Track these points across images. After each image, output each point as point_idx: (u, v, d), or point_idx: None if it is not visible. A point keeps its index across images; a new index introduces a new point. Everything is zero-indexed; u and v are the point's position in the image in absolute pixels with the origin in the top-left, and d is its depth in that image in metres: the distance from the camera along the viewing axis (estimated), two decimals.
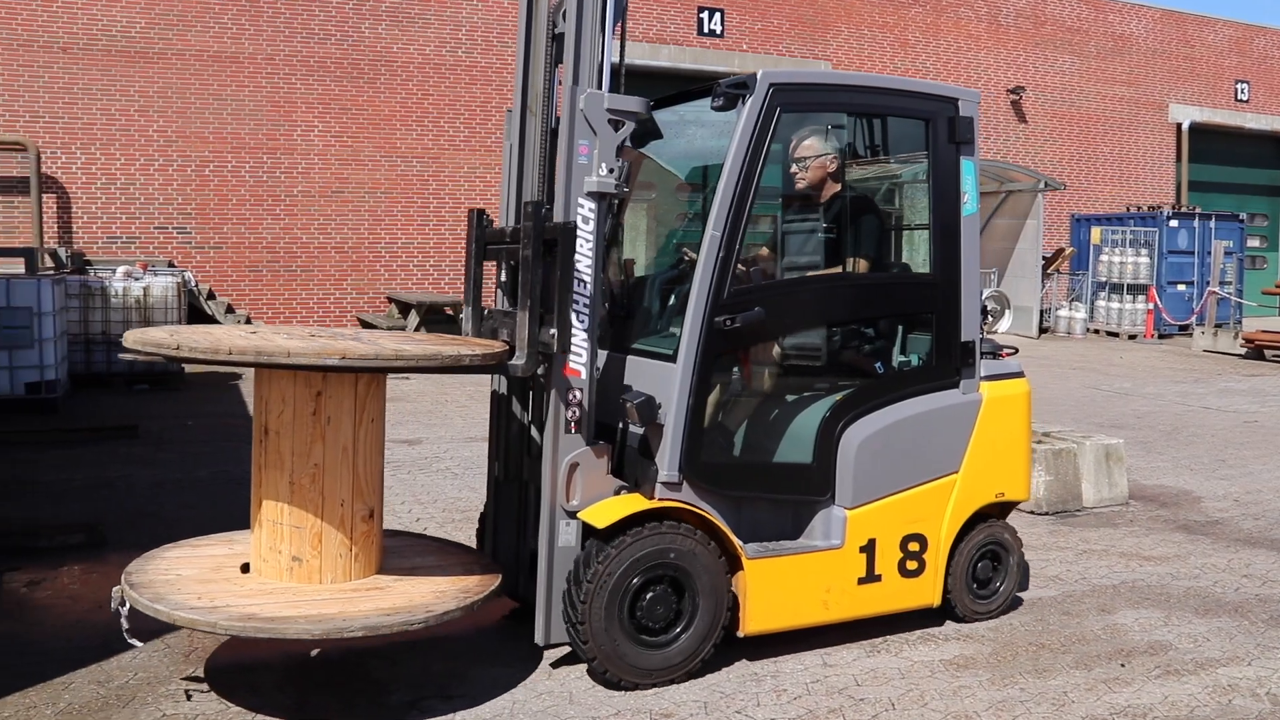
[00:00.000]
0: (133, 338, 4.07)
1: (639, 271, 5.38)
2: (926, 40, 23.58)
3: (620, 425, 4.53)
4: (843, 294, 4.80)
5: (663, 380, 4.43)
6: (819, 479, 4.64)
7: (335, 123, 18.12)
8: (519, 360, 4.28)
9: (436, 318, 16.39)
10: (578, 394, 4.38)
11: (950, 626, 5.07)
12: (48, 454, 8.70)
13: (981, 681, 4.49)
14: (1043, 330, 21.84)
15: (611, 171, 4.36)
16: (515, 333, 4.36)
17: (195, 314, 15.85)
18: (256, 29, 17.73)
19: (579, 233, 4.33)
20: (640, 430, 4.44)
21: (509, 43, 18.57)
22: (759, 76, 4.39)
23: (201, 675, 4.43)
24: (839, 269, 4.87)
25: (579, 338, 4.36)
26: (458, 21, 19.01)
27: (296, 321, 17.88)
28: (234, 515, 6.33)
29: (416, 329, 15.52)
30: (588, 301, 4.36)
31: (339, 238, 18.39)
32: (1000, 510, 5.18)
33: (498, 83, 19.04)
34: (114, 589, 4.22)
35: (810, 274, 4.93)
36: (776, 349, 4.75)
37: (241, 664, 4.57)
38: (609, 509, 4.32)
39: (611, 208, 4.66)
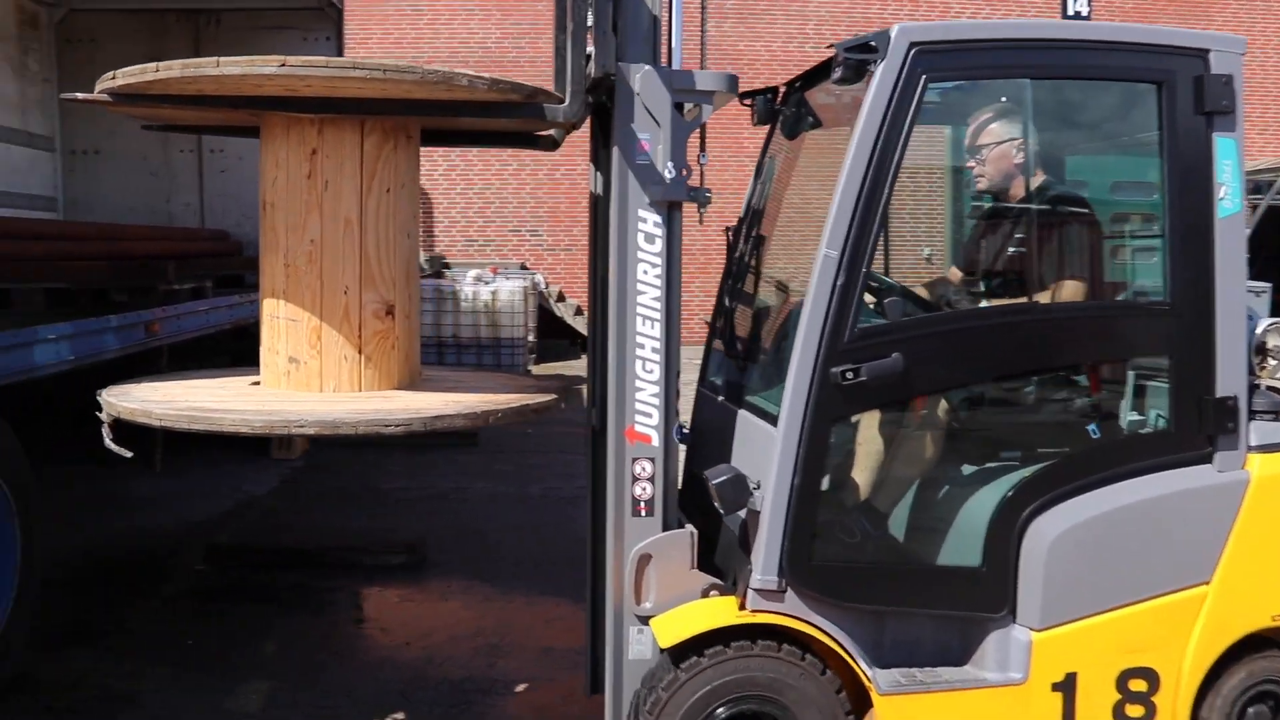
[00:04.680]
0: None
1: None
2: None
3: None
4: (1032, 332, 3.43)
5: (763, 450, 3.31)
6: (991, 589, 3.34)
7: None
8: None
9: None
10: (647, 466, 3.35)
11: None
12: (391, 459, 8.98)
13: None
14: None
15: (684, 172, 3.29)
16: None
17: (545, 316, 15.98)
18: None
19: (640, 254, 3.30)
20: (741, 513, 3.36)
21: None
22: (893, 34, 3.18)
23: None
24: (1032, 296, 3.53)
25: (647, 391, 3.33)
26: (804, 16, 18.09)
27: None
28: (558, 542, 6.55)
29: None
30: (658, 345, 3.32)
31: (702, 240, 17.98)
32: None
33: None
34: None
35: (987, 304, 3.62)
36: (929, 408, 3.49)
37: None
38: (682, 620, 3.29)
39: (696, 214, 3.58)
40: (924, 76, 3.19)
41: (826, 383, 3.18)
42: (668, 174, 3.32)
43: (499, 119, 3.39)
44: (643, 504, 3.38)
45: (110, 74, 3.13)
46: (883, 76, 3.18)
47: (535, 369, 13.19)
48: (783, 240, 4.02)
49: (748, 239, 4.08)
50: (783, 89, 4.02)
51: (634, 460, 3.37)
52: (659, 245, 3.34)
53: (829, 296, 3.19)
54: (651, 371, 3.36)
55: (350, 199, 3.36)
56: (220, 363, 8.40)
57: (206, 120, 3.76)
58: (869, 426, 3.49)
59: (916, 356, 3.23)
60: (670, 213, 3.37)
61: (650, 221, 3.34)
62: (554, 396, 3.50)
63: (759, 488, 3.26)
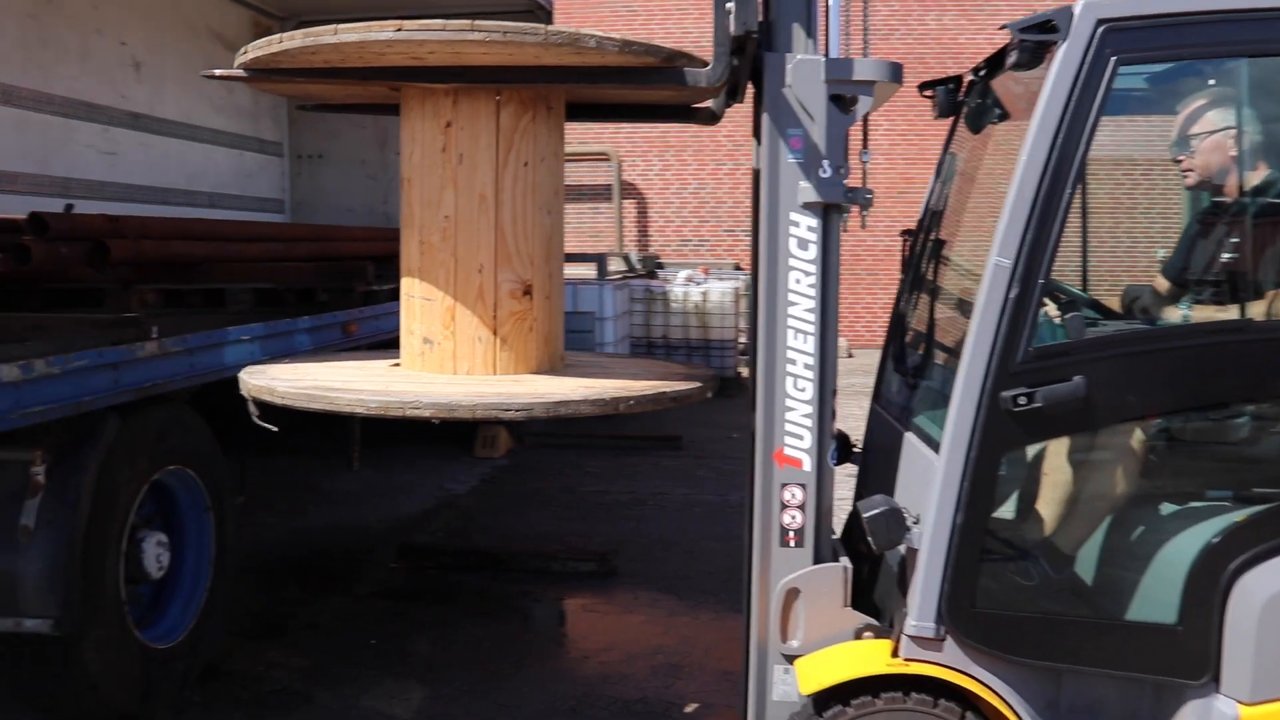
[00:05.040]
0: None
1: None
2: None
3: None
4: (1247, 352, 2.93)
5: (925, 480, 2.98)
6: (1190, 651, 2.87)
7: (901, 120, 17.08)
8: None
9: None
10: (797, 492, 3.08)
11: None
12: (594, 460, 9.07)
13: None
14: None
15: (839, 171, 2.99)
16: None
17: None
18: None
19: (791, 261, 3.03)
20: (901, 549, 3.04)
21: None
22: (1077, 10, 2.78)
23: None
24: (1247, 309, 3.03)
25: (798, 412, 3.05)
26: (1029, 6, 17.20)
27: (860, 328, 17.15)
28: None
29: None
30: (810, 360, 3.04)
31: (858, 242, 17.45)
32: None
33: None
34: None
35: (1192, 318, 3.13)
36: (1123, 437, 3.04)
37: None
38: (828, 665, 3.00)
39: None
40: (1114, 58, 2.78)
41: (995, 409, 2.82)
42: (823, 173, 3.03)
43: (641, 87, 3.14)
44: (792, 533, 3.11)
45: (243, 48, 3.10)
46: (1064, 59, 2.79)
47: (746, 371, 12.92)
48: (964, 245, 3.64)
49: (925, 244, 3.72)
50: (967, 77, 3.64)
51: (783, 486, 3.10)
52: (813, 251, 3.06)
53: (1000, 310, 2.83)
54: (804, 390, 3.08)
55: (485, 173, 3.19)
56: None
57: (351, 97, 3.69)
58: (1049, 455, 3.09)
59: (1103, 380, 2.82)
60: (826, 216, 3.08)
61: (803, 225, 3.06)
62: (697, 385, 3.24)
63: (919, 522, 2.92)
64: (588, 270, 12.34)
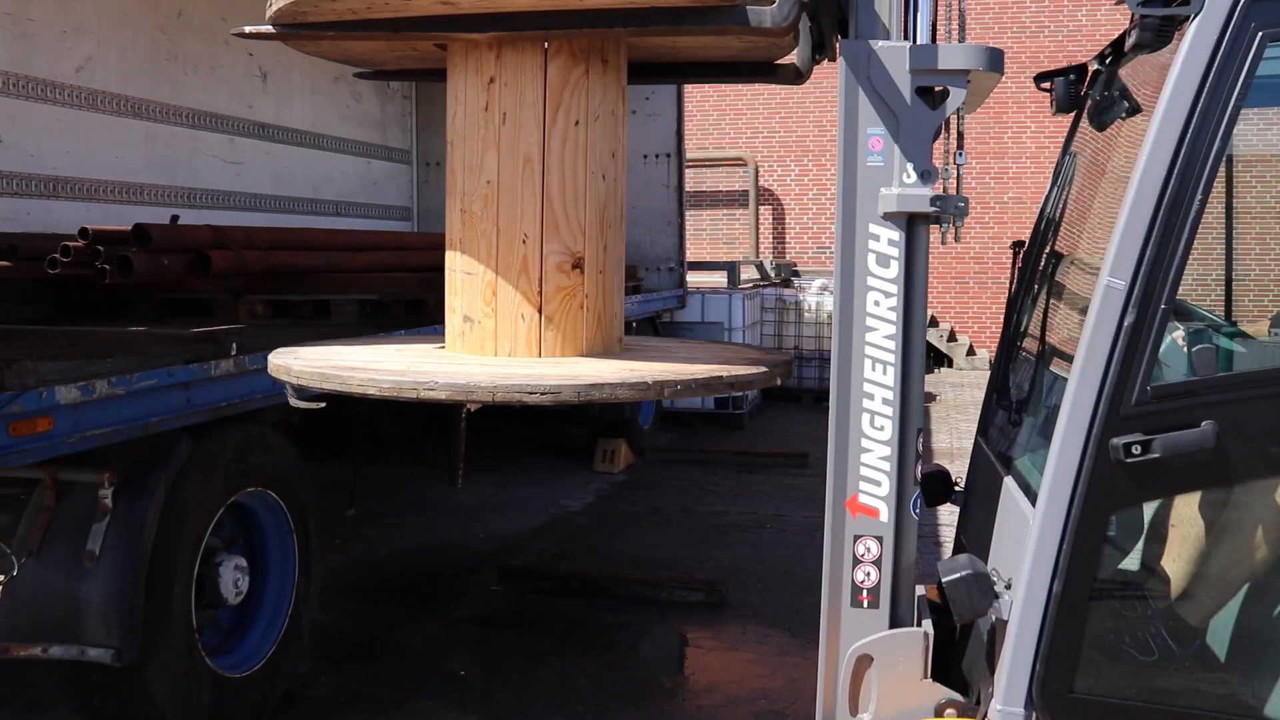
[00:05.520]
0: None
1: None
2: None
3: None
4: None
5: (1019, 535, 2.54)
6: None
7: (1049, 122, 16.28)
8: None
9: None
10: (872, 546, 2.68)
11: None
12: (714, 477, 8.78)
13: None
14: None
15: (925, 176, 2.58)
16: None
17: None
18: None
19: (870, 280, 2.63)
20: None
21: None
22: None
23: None
24: None
25: (875, 454, 2.66)
26: None
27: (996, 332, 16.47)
28: None
29: None
30: (890, 395, 2.64)
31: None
32: None
33: None
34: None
35: None
36: (1264, 494, 2.53)
37: None
38: None
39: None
40: (1260, 34, 2.30)
41: (1104, 458, 2.36)
42: (906, 178, 2.63)
43: (700, 31, 2.77)
44: (865, 592, 2.71)
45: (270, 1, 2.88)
46: (1197, 36, 2.32)
47: None
48: (1084, 260, 3.16)
49: (1039, 257, 3.25)
50: (1092, 67, 3.17)
51: (856, 538, 2.71)
52: (894, 269, 2.66)
53: (1112, 340, 2.37)
54: (882, 429, 2.68)
55: (531, 133, 2.88)
56: None
57: (401, 59, 3.44)
58: (1173, 507, 2.60)
59: (1240, 427, 2.33)
60: (911, 228, 2.68)
61: (884, 239, 2.66)
62: (763, 371, 2.85)
63: (1010, 587, 2.49)
64: (718, 278, 12.00)
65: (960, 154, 2.79)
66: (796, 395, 12.16)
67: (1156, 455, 2.33)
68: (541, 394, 2.55)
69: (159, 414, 3.98)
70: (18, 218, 5.94)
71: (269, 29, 2.96)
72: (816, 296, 12.37)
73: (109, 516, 3.90)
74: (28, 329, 4.65)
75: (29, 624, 3.85)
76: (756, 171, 16.89)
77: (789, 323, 12.31)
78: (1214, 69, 2.33)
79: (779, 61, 3.22)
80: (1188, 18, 2.33)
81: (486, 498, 7.75)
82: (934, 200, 2.62)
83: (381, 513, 7.24)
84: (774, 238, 17.27)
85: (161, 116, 6.86)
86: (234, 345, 4.35)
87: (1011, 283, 3.32)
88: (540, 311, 2.90)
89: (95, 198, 6.47)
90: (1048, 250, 3.23)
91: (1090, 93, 3.17)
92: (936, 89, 2.63)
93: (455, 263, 3.02)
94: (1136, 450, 2.34)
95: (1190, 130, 2.33)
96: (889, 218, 2.64)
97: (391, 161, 8.92)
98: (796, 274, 15.71)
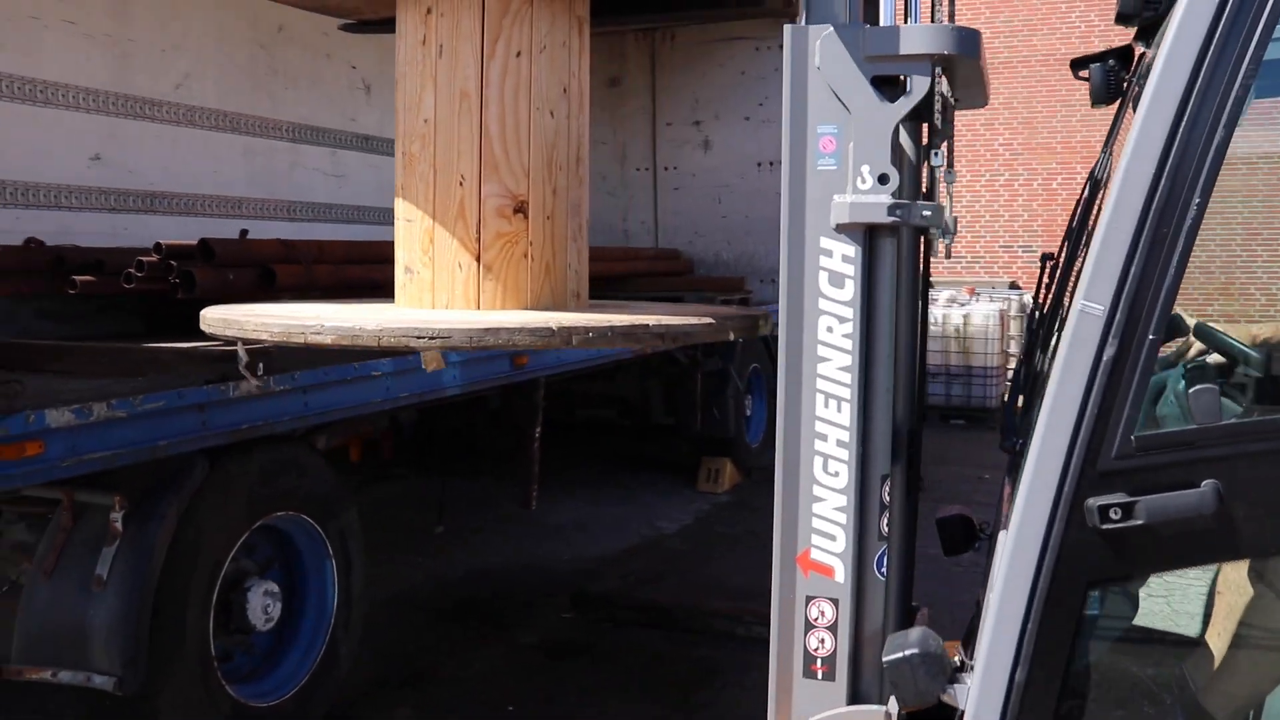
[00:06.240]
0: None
1: None
2: None
3: None
4: None
5: (985, 608, 2.12)
6: None
7: None
8: None
9: None
10: (827, 610, 2.31)
11: None
12: None
13: None
14: None
15: (884, 180, 2.20)
16: None
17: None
18: (1107, 25, 15.73)
19: (820, 303, 2.26)
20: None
21: None
22: None
23: None
24: None
25: (829, 504, 2.28)
26: None
27: None
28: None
29: None
30: (845, 436, 2.26)
31: (1203, 255, 15.40)
32: None
33: None
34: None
35: None
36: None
37: None
38: None
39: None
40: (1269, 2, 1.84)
41: (1078, 523, 1.93)
42: (860, 183, 2.24)
43: None
44: (820, 661, 2.33)
45: None
46: (1192, 3, 1.87)
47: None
48: None
49: (1068, 269, 2.79)
50: (1138, 50, 2.69)
51: (809, 600, 2.33)
52: (850, 290, 2.27)
53: (1087, 378, 1.94)
54: (837, 474, 2.30)
55: (468, 66, 2.71)
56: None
57: (372, 3, 3.29)
58: (1173, 579, 2.14)
59: (1248, 489, 1.86)
60: (873, 242, 2.28)
61: (837, 255, 2.28)
62: (707, 322, 2.59)
63: (968, 669, 2.07)
64: None
65: (950, 173, 2.37)
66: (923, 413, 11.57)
67: (1141, 521, 1.88)
68: (430, 338, 2.36)
69: (167, 437, 3.88)
70: (115, 233, 6.02)
71: None
72: (943, 309, 11.80)
73: (119, 540, 3.83)
74: (77, 345, 4.65)
75: (41, 646, 3.82)
76: None
77: None
78: (1217, 33, 1.87)
79: None
80: None
81: (578, 517, 7.51)
82: (893, 209, 2.22)
83: (468, 530, 7.08)
84: None
85: (261, 130, 6.90)
86: (260, 365, 4.24)
87: (1036, 298, 2.87)
88: (479, 260, 2.72)
89: (193, 212, 6.54)
90: (1079, 265, 2.76)
91: (1134, 80, 2.69)
92: (900, 79, 2.24)
93: (399, 210, 2.88)
94: (1116, 514, 1.90)
95: (1184, 117, 1.88)
96: (842, 230, 2.26)
97: None
98: (930, 284, 15.06)
